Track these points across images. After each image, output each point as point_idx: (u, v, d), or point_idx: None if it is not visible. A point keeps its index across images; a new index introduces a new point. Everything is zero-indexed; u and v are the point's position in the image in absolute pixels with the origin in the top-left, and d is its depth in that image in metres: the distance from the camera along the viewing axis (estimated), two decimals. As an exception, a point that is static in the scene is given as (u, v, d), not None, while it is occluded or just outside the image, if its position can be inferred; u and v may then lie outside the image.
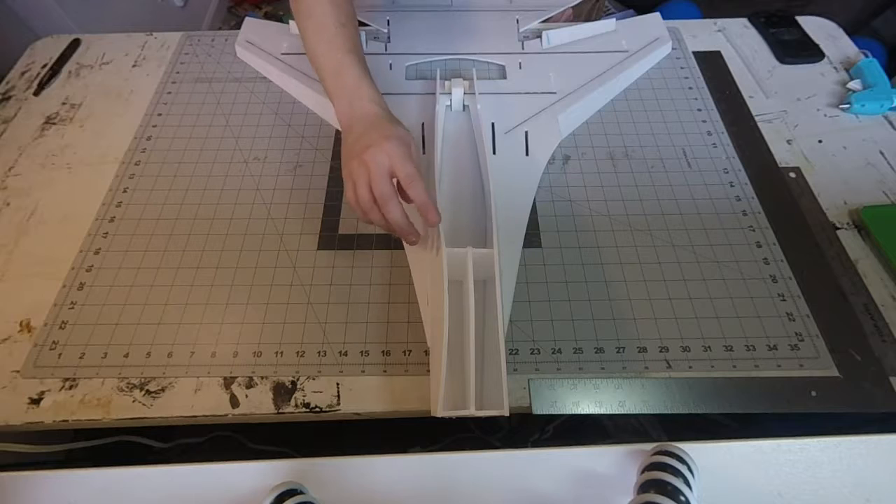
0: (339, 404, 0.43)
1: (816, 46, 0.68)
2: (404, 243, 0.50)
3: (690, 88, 0.65)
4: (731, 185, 0.55)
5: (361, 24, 0.70)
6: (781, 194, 0.55)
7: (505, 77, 0.65)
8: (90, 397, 0.44)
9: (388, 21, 0.70)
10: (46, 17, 1.11)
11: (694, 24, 0.74)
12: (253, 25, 0.72)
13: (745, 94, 0.64)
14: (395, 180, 0.45)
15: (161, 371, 0.44)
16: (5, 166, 0.59)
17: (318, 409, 0.43)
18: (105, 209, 0.55)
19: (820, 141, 0.59)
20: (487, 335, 0.43)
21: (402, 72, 0.66)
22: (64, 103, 0.66)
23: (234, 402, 0.43)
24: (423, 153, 0.57)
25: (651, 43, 0.67)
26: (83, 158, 0.60)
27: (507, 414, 0.37)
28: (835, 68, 0.67)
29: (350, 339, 0.46)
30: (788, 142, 0.59)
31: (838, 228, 0.52)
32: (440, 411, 0.38)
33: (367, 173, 0.44)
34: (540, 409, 0.42)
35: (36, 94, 0.67)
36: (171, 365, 0.45)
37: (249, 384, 0.44)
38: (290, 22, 0.70)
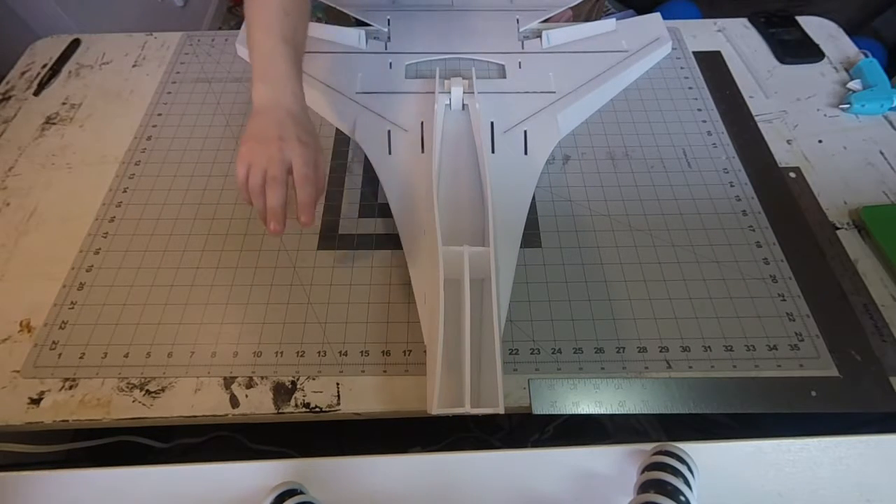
0: (339, 404, 0.43)
1: (816, 46, 0.68)
2: (402, 242, 0.50)
3: (690, 88, 0.65)
4: (731, 185, 0.55)
5: (362, 23, 0.70)
6: (781, 194, 0.54)
7: (504, 76, 0.65)
8: (90, 397, 0.44)
9: (389, 20, 0.70)
10: (46, 17, 1.11)
11: (694, 24, 0.74)
12: (253, 25, 0.72)
13: (745, 94, 0.64)
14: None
15: (161, 371, 0.44)
16: (5, 166, 0.59)
17: (318, 409, 0.43)
18: (105, 209, 0.55)
19: (820, 141, 0.59)
20: (484, 333, 0.43)
21: (402, 71, 0.66)
22: (64, 103, 0.66)
23: (234, 402, 0.43)
24: (422, 152, 0.57)
25: (651, 43, 0.67)
26: (83, 158, 0.60)
27: (502, 411, 0.37)
28: (835, 68, 0.67)
29: (350, 339, 0.46)
30: (788, 142, 0.59)
31: (838, 228, 0.52)
32: (435, 409, 0.38)
33: (268, 162, 0.44)
34: (540, 409, 0.42)
35: (36, 94, 0.67)
36: (171, 365, 0.45)
37: (249, 384, 0.44)
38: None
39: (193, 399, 0.43)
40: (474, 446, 0.69)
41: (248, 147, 0.45)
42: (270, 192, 0.44)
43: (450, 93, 0.60)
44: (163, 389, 0.44)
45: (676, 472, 0.32)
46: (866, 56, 0.66)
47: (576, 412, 0.42)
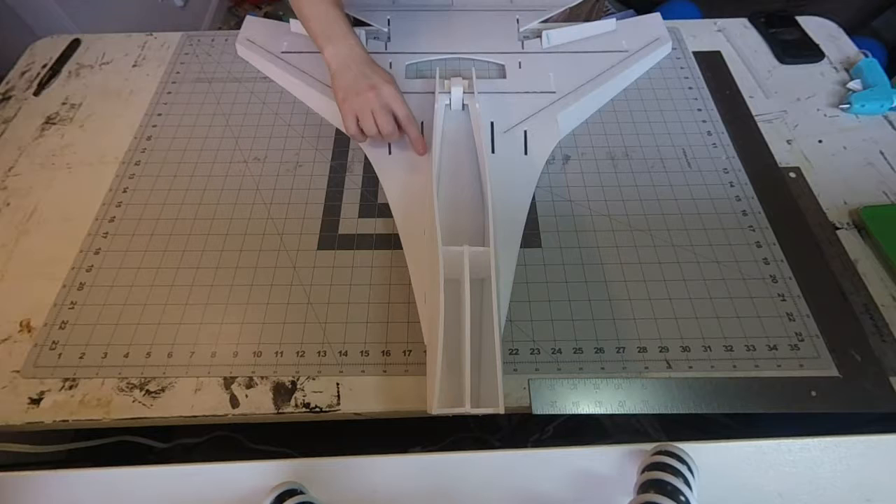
0: (339, 404, 0.43)
1: (816, 46, 0.68)
2: (402, 242, 0.50)
3: (690, 88, 0.65)
4: (731, 185, 0.55)
5: (362, 23, 0.70)
6: (781, 194, 0.54)
7: (504, 76, 0.65)
8: (90, 397, 0.44)
9: (389, 20, 0.70)
10: (46, 17, 1.11)
11: (694, 24, 0.74)
12: (253, 24, 0.72)
13: (745, 94, 0.64)
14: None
15: (161, 371, 0.44)
16: (5, 166, 0.59)
17: (318, 409, 0.43)
18: (105, 209, 0.55)
19: (820, 141, 0.59)
20: (484, 333, 0.43)
21: (403, 71, 0.66)
22: (64, 103, 0.66)
23: (234, 402, 0.43)
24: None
25: (651, 43, 0.67)
26: (83, 158, 0.60)
27: (502, 411, 0.37)
28: (835, 68, 0.67)
29: (350, 339, 0.46)
30: (788, 142, 0.59)
31: (838, 228, 0.52)
32: (435, 409, 0.38)
33: (372, 109, 0.53)
34: (540, 409, 0.42)
35: (36, 94, 0.67)
36: (171, 365, 0.45)
37: (249, 384, 0.44)
38: (291, 20, 0.70)
39: (193, 399, 0.43)
40: (474, 446, 0.69)
41: (348, 103, 0.53)
42: (392, 138, 0.55)
43: (450, 93, 0.60)
44: (163, 389, 0.44)
45: (676, 472, 0.32)
46: (866, 56, 0.66)
47: (576, 412, 0.42)
